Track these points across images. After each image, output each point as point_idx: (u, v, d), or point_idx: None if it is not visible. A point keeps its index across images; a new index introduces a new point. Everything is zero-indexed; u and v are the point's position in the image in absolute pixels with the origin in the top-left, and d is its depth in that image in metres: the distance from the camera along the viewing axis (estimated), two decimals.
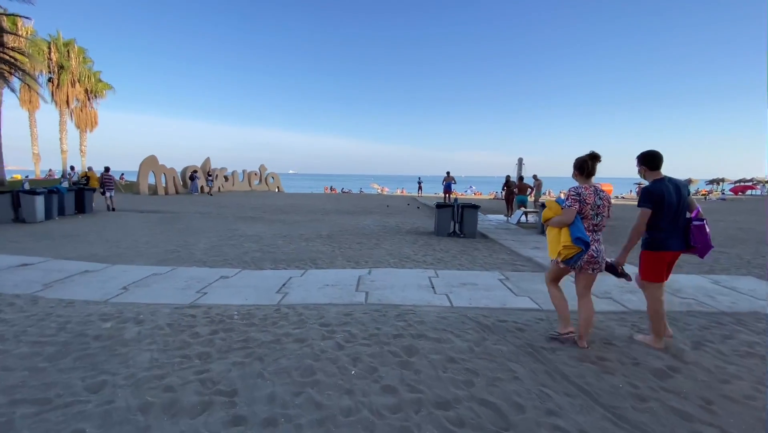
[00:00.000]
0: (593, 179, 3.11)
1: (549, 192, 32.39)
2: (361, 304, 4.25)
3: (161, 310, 3.91)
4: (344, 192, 43.39)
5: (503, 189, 15.02)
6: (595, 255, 2.98)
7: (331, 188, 50.78)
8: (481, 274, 5.66)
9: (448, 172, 18.62)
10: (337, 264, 6.25)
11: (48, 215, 10.45)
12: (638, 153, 3.14)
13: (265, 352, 2.97)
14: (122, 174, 36.94)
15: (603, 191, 3.06)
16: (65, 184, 13.69)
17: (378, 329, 3.47)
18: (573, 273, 3.19)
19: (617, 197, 31.46)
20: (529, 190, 13.82)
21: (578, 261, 2.98)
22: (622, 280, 3.18)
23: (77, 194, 12.09)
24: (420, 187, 30.49)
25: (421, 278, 5.34)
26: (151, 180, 24.44)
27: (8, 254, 6.16)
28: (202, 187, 27.13)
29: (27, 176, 26.64)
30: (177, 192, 25.18)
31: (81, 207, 12.19)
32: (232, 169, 31.04)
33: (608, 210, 3.06)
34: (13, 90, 20.54)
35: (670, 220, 3.00)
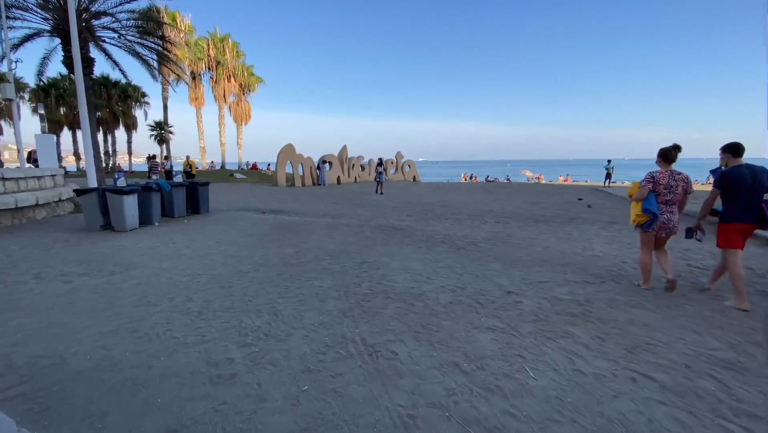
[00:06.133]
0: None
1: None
2: None
3: None
4: (488, 181, 37.12)
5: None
6: (667, 223, 3.96)
7: (471, 177, 44.76)
8: None
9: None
10: None
11: (144, 219, 7.98)
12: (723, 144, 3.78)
13: None
14: (269, 165, 38.38)
15: (679, 174, 3.91)
16: (178, 178, 11.67)
17: None
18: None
19: None
20: None
21: (650, 227, 4.00)
22: (694, 241, 4.11)
23: (189, 190, 9.62)
24: (609, 175, 21.98)
25: None
26: (289, 170, 23.24)
27: None
28: (339, 178, 25.05)
29: (119, 171, 17.67)
30: (314, 183, 23.50)
31: (195, 206, 9.79)
32: (368, 157, 28.40)
33: (683, 187, 3.90)
34: (174, 89, 21.11)
35: (744, 199, 3.54)
